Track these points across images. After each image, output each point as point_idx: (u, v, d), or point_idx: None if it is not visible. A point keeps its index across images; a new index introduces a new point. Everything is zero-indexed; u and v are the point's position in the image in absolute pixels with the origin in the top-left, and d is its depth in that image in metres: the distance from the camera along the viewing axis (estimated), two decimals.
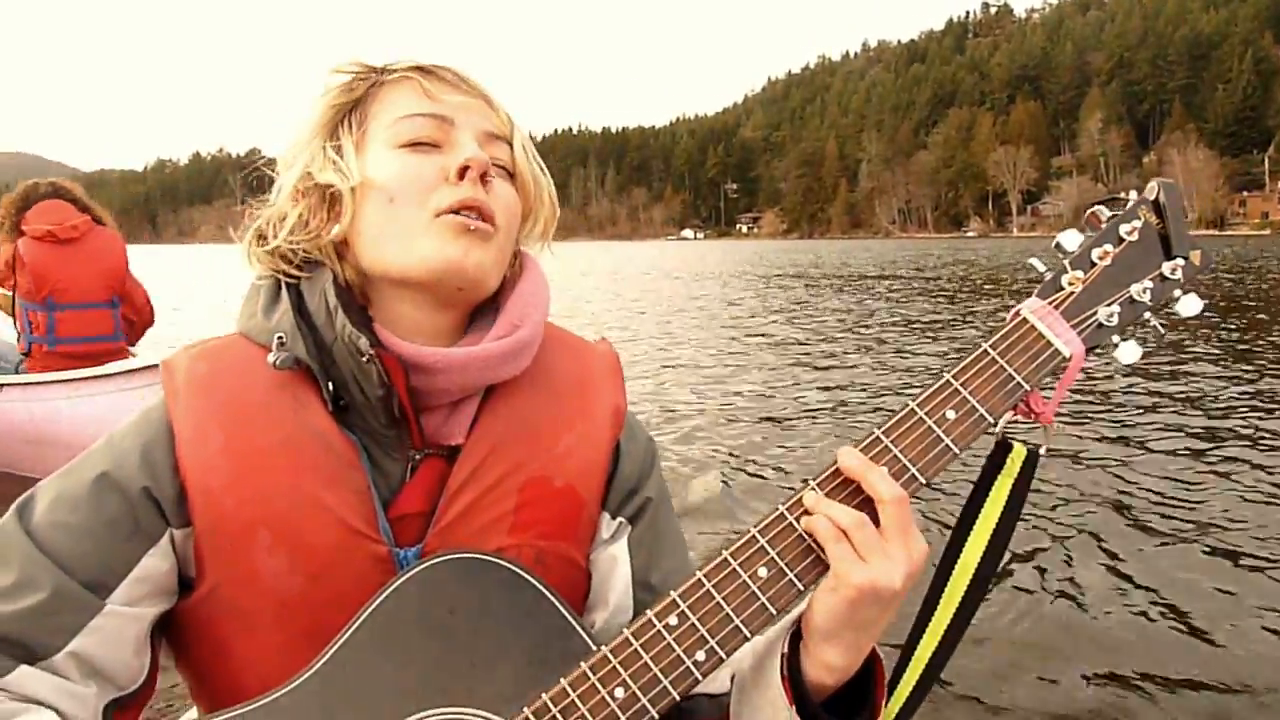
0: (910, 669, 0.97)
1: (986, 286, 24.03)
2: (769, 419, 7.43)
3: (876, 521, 0.84)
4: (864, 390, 8.70)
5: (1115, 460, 5.96)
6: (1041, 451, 0.95)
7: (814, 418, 7.47)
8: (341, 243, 0.97)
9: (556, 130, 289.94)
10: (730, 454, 6.28)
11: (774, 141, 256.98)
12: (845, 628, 0.84)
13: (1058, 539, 4.50)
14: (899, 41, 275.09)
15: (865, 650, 0.87)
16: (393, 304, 0.97)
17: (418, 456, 0.96)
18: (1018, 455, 0.95)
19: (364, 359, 0.90)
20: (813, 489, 0.88)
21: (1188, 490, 5.31)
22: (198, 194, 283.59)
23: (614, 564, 1.02)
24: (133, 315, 5.67)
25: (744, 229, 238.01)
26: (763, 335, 13.46)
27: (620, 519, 1.04)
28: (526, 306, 1.01)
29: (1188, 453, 6.14)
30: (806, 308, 18.16)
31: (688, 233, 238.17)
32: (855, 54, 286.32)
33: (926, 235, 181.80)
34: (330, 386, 0.93)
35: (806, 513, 0.87)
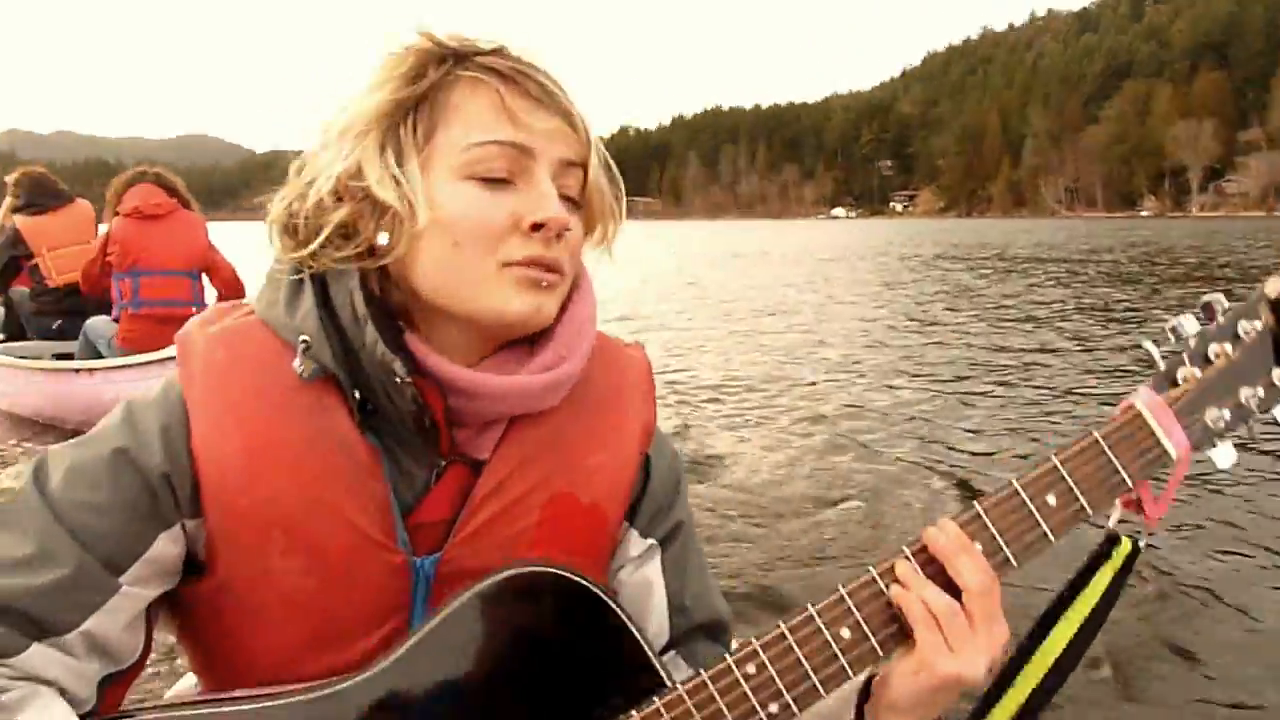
0: None
1: (1172, 271, 21.90)
2: (923, 420, 6.98)
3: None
4: (1030, 401, 8.00)
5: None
6: (1141, 546, 0.94)
7: (974, 430, 6.85)
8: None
9: (706, 108, 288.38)
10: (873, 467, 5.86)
11: (932, 117, 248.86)
12: (920, 707, 0.86)
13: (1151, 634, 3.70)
14: (1069, 11, 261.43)
15: None
16: (436, 322, 0.93)
17: (443, 463, 0.94)
18: (1124, 549, 0.94)
19: (397, 379, 0.88)
20: (907, 558, 0.87)
21: None
22: None
23: (649, 588, 1.02)
24: (221, 287, 6.18)
25: (898, 207, 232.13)
26: (919, 324, 12.78)
27: (651, 540, 1.03)
28: (576, 337, 0.97)
29: None
30: (969, 295, 17.07)
31: (839, 211, 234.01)
32: (1021, 25, 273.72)
33: (1096, 215, 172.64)
34: (357, 394, 0.90)
35: (898, 582, 0.87)
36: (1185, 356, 0.93)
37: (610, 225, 1.01)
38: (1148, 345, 0.95)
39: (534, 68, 0.91)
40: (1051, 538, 0.87)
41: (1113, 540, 0.94)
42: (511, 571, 0.86)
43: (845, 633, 0.85)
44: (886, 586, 0.86)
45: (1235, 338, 0.93)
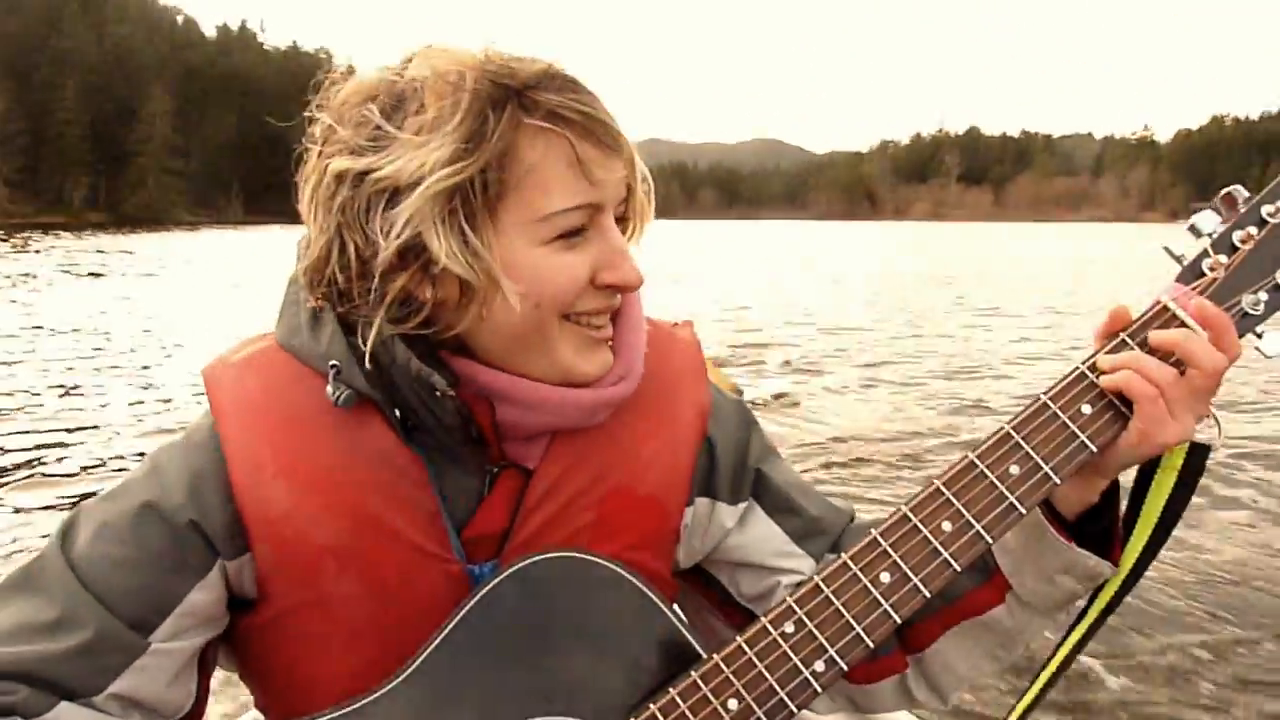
0: (1051, 665, 0.97)
1: None
2: None
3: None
4: None
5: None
6: (1216, 444, 0.92)
7: None
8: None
9: None
10: None
11: None
12: (1121, 470, 0.90)
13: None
14: None
15: None
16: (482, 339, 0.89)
17: (495, 470, 0.93)
18: (1180, 449, 0.92)
19: (437, 393, 0.86)
20: (1123, 344, 0.89)
21: None
22: (914, 172, 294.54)
23: (767, 538, 1.03)
24: None
25: None
26: None
27: (743, 503, 1.03)
28: (633, 353, 0.96)
29: None
30: None
31: None
32: None
33: None
34: (397, 413, 0.89)
35: (1103, 372, 0.87)
36: (1209, 248, 0.90)
37: (643, 222, 0.97)
38: (1168, 246, 0.93)
39: (595, 102, 0.86)
40: (1091, 447, 0.87)
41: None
42: (526, 561, 0.85)
43: (885, 577, 0.84)
44: (1096, 378, 0.87)
45: (1261, 222, 0.89)
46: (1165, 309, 0.88)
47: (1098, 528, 0.94)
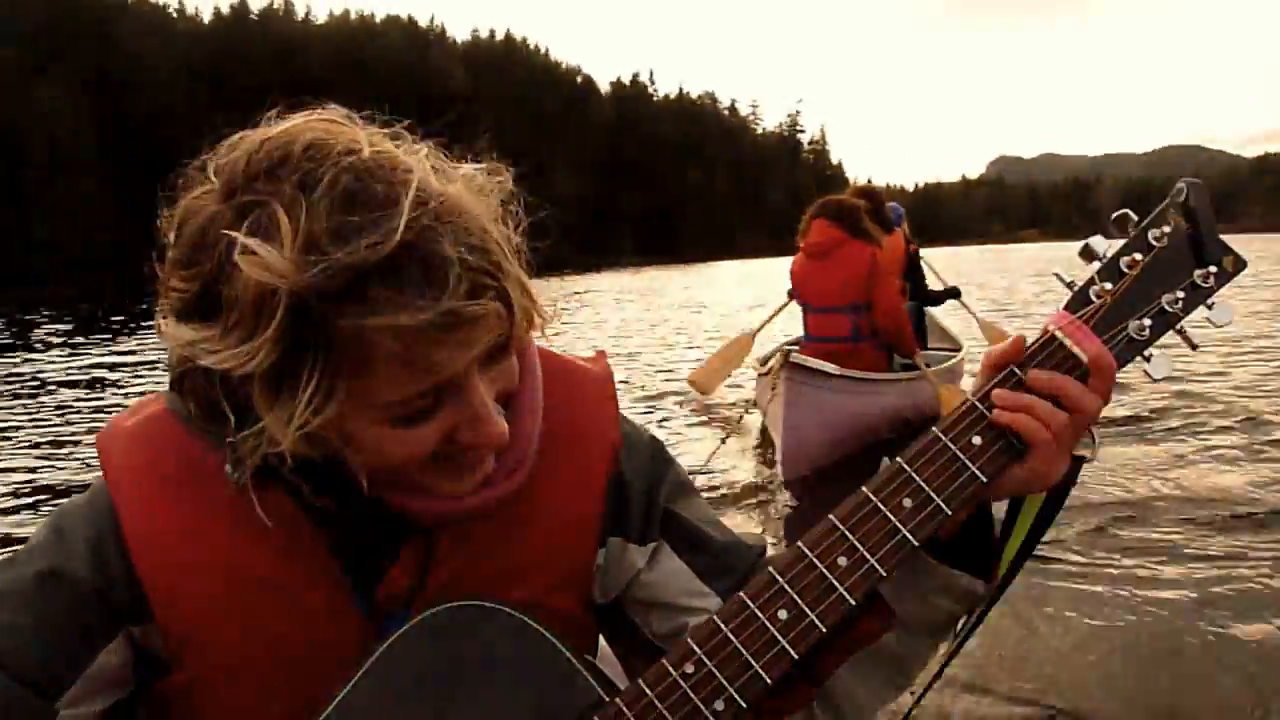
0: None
1: None
2: None
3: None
4: None
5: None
6: (1089, 458, 0.93)
7: None
8: None
9: None
10: None
11: None
12: (1002, 499, 0.93)
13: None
14: None
15: None
16: None
17: (399, 529, 0.92)
18: None
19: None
20: (981, 401, 0.89)
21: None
22: None
23: (676, 575, 1.01)
24: (879, 319, 6.17)
25: None
26: None
27: (651, 543, 1.01)
28: (528, 440, 0.94)
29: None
30: None
31: None
32: None
33: None
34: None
35: (998, 407, 0.88)
36: (1096, 275, 0.91)
37: (533, 317, 0.89)
38: (1057, 273, 0.93)
39: (441, 291, 0.73)
40: (981, 477, 0.87)
41: None
42: (431, 612, 0.85)
43: (782, 613, 0.85)
44: (988, 410, 0.88)
45: (1148, 247, 0.90)
46: (1054, 339, 0.89)
47: (977, 549, 0.96)
